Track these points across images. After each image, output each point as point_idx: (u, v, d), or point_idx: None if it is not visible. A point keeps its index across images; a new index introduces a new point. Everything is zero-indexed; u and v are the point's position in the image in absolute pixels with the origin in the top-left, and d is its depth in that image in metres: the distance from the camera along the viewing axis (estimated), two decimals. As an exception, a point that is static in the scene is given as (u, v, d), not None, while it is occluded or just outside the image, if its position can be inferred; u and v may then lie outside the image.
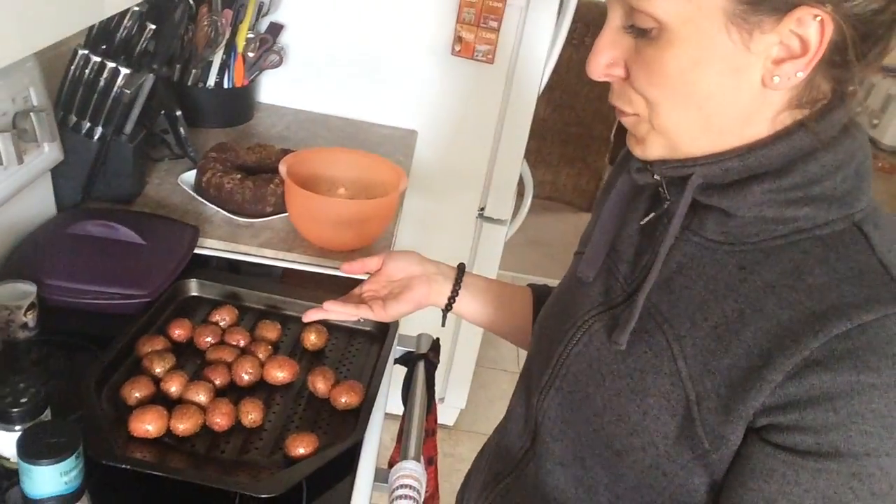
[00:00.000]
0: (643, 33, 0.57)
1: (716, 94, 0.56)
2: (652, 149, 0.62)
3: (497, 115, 1.89)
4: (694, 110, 0.58)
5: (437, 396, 2.22)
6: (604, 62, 0.60)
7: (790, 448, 0.53)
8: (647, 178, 0.66)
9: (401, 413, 1.12)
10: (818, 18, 0.52)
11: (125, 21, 1.25)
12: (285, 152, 1.44)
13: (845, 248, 0.57)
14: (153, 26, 1.26)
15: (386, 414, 1.14)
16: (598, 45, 0.60)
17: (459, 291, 0.94)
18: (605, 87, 0.65)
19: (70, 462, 0.69)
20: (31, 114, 1.06)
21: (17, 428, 0.76)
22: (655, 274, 0.62)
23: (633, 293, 0.67)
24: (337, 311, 0.91)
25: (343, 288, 1.23)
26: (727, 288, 0.59)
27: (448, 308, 0.95)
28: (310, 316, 0.93)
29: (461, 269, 0.96)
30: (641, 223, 0.69)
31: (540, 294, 0.95)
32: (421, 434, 1.05)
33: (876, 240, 0.57)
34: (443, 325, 1.00)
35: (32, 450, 0.68)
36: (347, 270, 0.96)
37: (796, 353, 0.53)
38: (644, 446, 0.61)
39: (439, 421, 2.35)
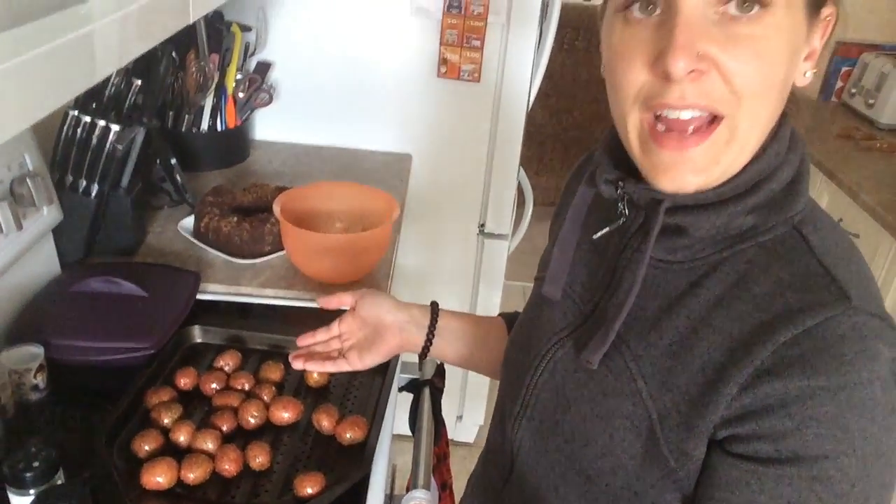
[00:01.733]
0: (743, 18, 0.52)
1: (788, 88, 0.57)
2: (720, 168, 0.56)
3: (488, 130, 1.91)
4: (778, 104, 0.56)
5: (454, 414, 2.24)
6: (695, 54, 0.52)
7: (751, 457, 0.54)
8: (612, 192, 0.65)
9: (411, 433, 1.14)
10: (828, 18, 0.56)
11: (112, 78, 1.28)
12: (280, 190, 1.46)
13: (787, 254, 0.57)
14: (139, 81, 1.29)
15: (401, 436, 1.15)
16: (683, 35, 0.51)
17: (433, 339, 0.93)
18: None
19: (81, 524, 0.71)
20: (28, 179, 1.09)
21: (31, 492, 0.78)
22: (631, 299, 0.62)
23: (592, 313, 0.67)
24: (315, 368, 0.94)
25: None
26: (679, 305, 0.60)
27: (423, 356, 0.95)
28: (294, 364, 0.94)
29: (434, 314, 0.94)
30: (594, 237, 0.68)
31: (512, 323, 0.96)
32: (430, 461, 1.06)
33: (815, 242, 0.58)
34: (419, 368, 1.02)
35: (44, 515, 0.71)
36: (324, 304, 0.98)
37: (748, 364, 0.54)
38: (614, 469, 0.62)
39: (459, 439, 2.37)
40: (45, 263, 1.22)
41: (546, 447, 0.69)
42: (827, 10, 0.57)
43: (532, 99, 1.95)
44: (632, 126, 0.58)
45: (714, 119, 0.54)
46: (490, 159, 1.94)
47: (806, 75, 0.57)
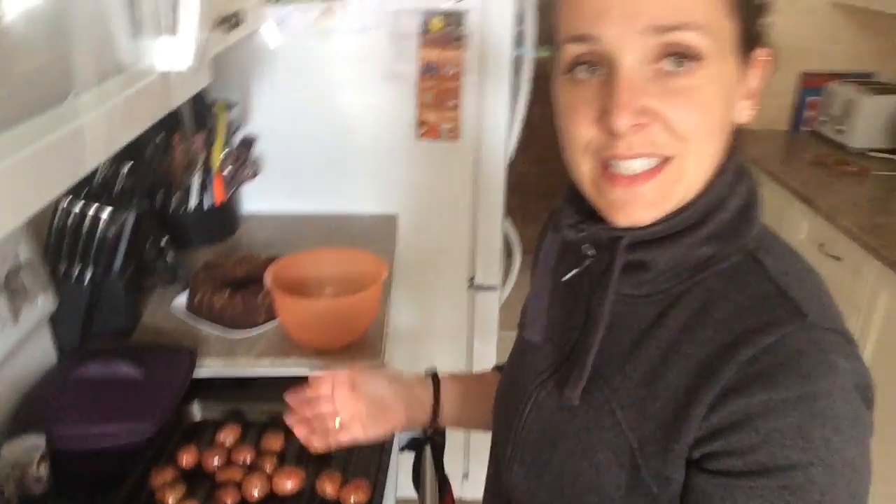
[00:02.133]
0: (678, 71, 0.56)
1: (729, 128, 0.61)
2: (669, 203, 0.60)
3: (471, 185, 1.95)
4: (719, 146, 0.60)
5: (460, 472, 2.22)
6: (637, 109, 0.55)
7: (723, 472, 0.56)
8: (575, 235, 0.68)
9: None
10: (765, 59, 0.61)
11: (100, 165, 1.31)
12: (271, 260, 1.49)
13: (744, 279, 0.61)
14: (127, 165, 1.33)
15: (405, 500, 1.15)
16: (625, 93, 0.55)
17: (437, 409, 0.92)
18: None
19: None
20: (22, 270, 1.11)
21: (40, 584, 0.78)
22: (600, 333, 0.64)
23: (571, 353, 0.69)
24: (317, 448, 0.89)
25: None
26: (649, 336, 0.63)
27: (429, 428, 0.95)
28: (297, 432, 0.90)
29: (436, 388, 0.93)
30: (563, 279, 0.71)
31: None
32: (435, 520, 1.06)
33: (770, 265, 0.61)
34: (425, 435, 1.01)
35: None
36: (316, 387, 0.91)
37: (714, 385, 0.56)
38: (602, 502, 0.63)
39: (468, 497, 2.34)
40: (41, 352, 1.23)
41: (538, 488, 0.71)
42: (763, 51, 0.61)
43: (513, 150, 2.00)
44: (585, 172, 0.62)
45: (664, 160, 0.58)
46: (475, 213, 1.98)
47: (746, 113, 0.62)
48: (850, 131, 2.59)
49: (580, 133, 0.60)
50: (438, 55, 1.83)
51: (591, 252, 0.68)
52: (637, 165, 0.58)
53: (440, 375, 0.95)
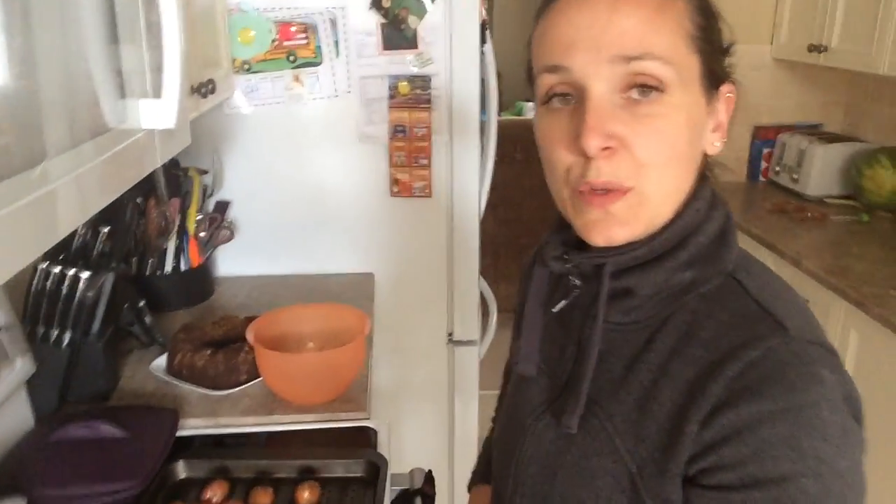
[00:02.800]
0: (642, 101, 0.60)
1: (694, 160, 0.65)
2: (639, 224, 0.63)
3: (445, 242, 1.98)
4: (685, 175, 0.64)
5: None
6: (605, 133, 0.59)
7: (716, 486, 0.57)
8: (561, 266, 0.71)
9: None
10: (729, 95, 0.65)
11: (79, 229, 1.32)
12: (249, 320, 1.48)
13: (725, 299, 0.63)
14: (106, 229, 1.34)
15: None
16: (594, 118, 0.59)
17: None
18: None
19: None
20: (1, 332, 1.10)
21: None
22: (594, 360, 0.67)
23: (567, 383, 0.71)
24: None
25: (327, 440, 1.25)
26: (640, 361, 0.65)
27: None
28: None
29: None
30: (553, 310, 0.74)
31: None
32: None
33: (749, 284, 0.64)
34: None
35: None
36: None
37: (705, 403, 0.58)
38: None
39: (453, 555, 2.29)
40: (18, 416, 1.20)
41: None
42: (725, 88, 0.66)
43: (482, 209, 2.04)
44: (565, 197, 0.66)
45: (626, 190, 0.62)
46: (451, 268, 2.01)
47: (715, 144, 0.66)
48: (805, 179, 2.70)
49: (558, 158, 0.64)
50: (408, 117, 1.88)
51: (577, 282, 0.70)
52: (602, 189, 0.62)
53: None
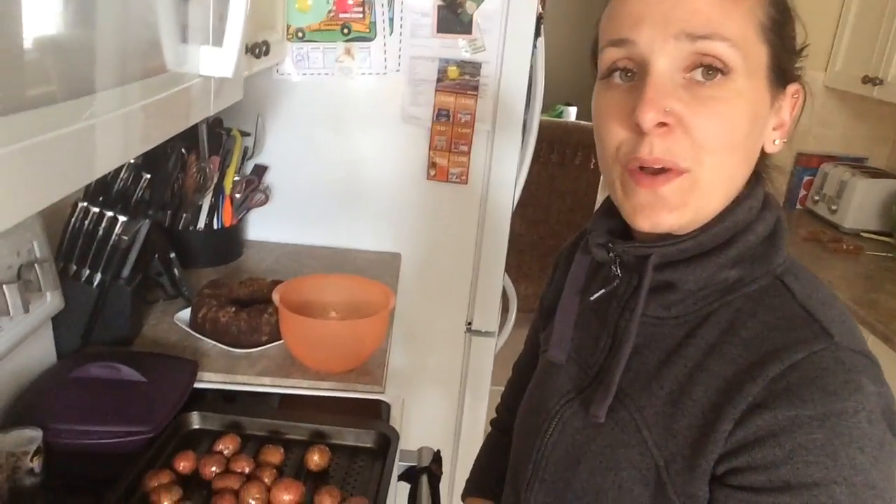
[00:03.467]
0: (708, 83, 0.58)
1: (754, 151, 0.63)
2: (687, 211, 0.61)
3: (475, 231, 1.98)
4: (741, 164, 0.62)
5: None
6: (663, 108, 0.58)
7: (746, 487, 0.57)
8: (603, 254, 0.70)
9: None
10: (795, 95, 0.63)
11: (122, 173, 1.33)
12: (276, 283, 1.49)
13: (771, 300, 0.62)
14: (148, 176, 1.35)
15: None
16: (653, 92, 0.58)
17: None
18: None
19: None
20: (35, 265, 1.11)
21: (30, 572, 0.76)
22: (628, 351, 0.66)
23: (598, 374, 0.71)
24: None
25: (338, 408, 1.25)
26: (676, 355, 0.64)
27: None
28: None
29: None
30: (591, 299, 0.73)
31: (491, 492, 0.98)
32: (430, 548, 1.05)
33: (797, 289, 0.63)
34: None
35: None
36: None
37: (741, 402, 0.57)
38: None
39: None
40: (42, 351, 1.22)
41: None
42: (793, 88, 0.65)
43: (515, 203, 2.03)
44: (615, 177, 0.64)
45: (680, 171, 0.61)
46: (477, 258, 2.00)
47: (775, 143, 0.65)
48: (844, 211, 2.66)
49: (612, 135, 0.63)
50: (453, 102, 1.88)
51: (618, 273, 0.69)
52: (657, 167, 0.61)
53: None
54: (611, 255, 0.69)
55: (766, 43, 0.61)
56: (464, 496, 1.03)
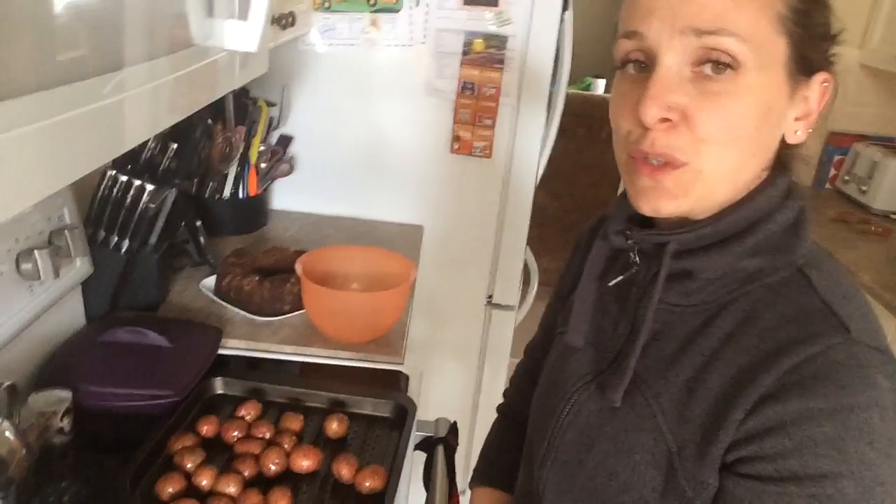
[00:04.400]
0: (715, 77, 0.58)
1: (766, 143, 0.63)
2: (689, 199, 0.62)
3: (498, 205, 1.98)
4: (749, 157, 0.62)
5: (458, 486, 2.22)
6: (665, 104, 0.59)
7: (753, 476, 0.57)
8: (622, 241, 0.70)
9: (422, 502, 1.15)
10: (825, 84, 0.61)
11: (149, 142, 1.35)
12: (299, 253, 1.51)
13: (790, 292, 0.62)
14: (175, 145, 1.37)
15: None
16: (657, 87, 0.59)
17: None
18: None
19: (114, 552, 0.73)
20: (66, 231, 1.14)
21: (60, 526, 0.80)
22: (644, 337, 0.67)
23: (616, 358, 0.71)
24: None
25: (358, 378, 1.28)
26: (693, 343, 0.64)
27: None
28: None
29: None
30: (610, 284, 0.73)
31: (500, 482, 0.98)
32: (444, 516, 1.07)
33: (817, 281, 0.62)
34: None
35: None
36: None
37: (754, 392, 0.58)
38: (635, 502, 0.65)
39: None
40: (72, 315, 1.26)
41: (571, 486, 0.72)
42: (821, 76, 0.63)
43: (539, 177, 2.03)
44: (622, 161, 0.66)
45: (680, 164, 0.61)
46: (500, 231, 2.01)
47: (797, 133, 0.63)
48: (874, 192, 2.61)
49: (620, 123, 0.64)
50: (478, 75, 1.87)
51: (637, 260, 0.70)
52: (655, 161, 0.62)
53: None
54: (629, 241, 0.70)
55: (785, 34, 0.59)
56: (472, 485, 1.05)
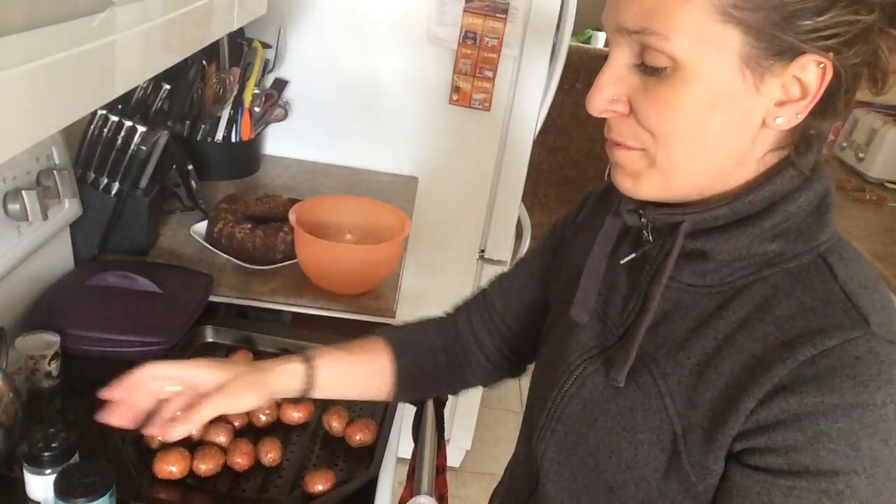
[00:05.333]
0: (655, 71, 0.58)
1: (723, 134, 0.59)
2: (645, 185, 0.63)
3: (495, 159, 1.96)
4: (700, 149, 0.60)
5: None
6: (607, 98, 0.60)
7: (763, 468, 0.56)
8: (635, 220, 0.68)
9: (409, 456, 1.16)
10: (821, 66, 0.56)
11: (142, 83, 1.31)
12: (293, 202, 1.49)
13: (810, 279, 0.60)
14: (168, 86, 1.33)
15: (399, 459, 1.17)
16: (601, 81, 0.60)
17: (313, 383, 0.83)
18: (599, 129, 0.68)
19: (104, 500, 0.73)
20: (54, 172, 1.11)
21: (48, 472, 0.79)
22: (649, 318, 0.65)
23: (624, 335, 0.70)
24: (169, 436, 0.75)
25: (349, 330, 1.27)
26: (706, 326, 0.63)
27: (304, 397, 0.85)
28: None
29: (310, 366, 0.83)
30: (622, 262, 0.71)
31: (397, 342, 0.91)
32: (433, 470, 1.08)
33: (839, 270, 0.60)
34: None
35: (69, 489, 0.72)
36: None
37: (767, 382, 0.56)
38: (636, 481, 0.64)
39: (449, 462, 2.37)
40: (60, 257, 1.23)
41: (570, 459, 0.71)
42: (810, 58, 0.55)
43: (537, 132, 2.00)
44: None
45: (633, 149, 0.62)
46: (494, 187, 1.99)
47: (777, 120, 0.58)
48: (871, 160, 2.60)
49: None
50: (481, 24, 1.82)
51: (650, 238, 0.68)
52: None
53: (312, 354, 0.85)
54: (642, 220, 0.68)
55: (734, 23, 0.55)
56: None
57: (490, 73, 1.85)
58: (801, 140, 0.61)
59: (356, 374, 0.89)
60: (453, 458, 2.41)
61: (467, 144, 1.94)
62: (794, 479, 0.55)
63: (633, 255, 0.70)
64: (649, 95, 0.59)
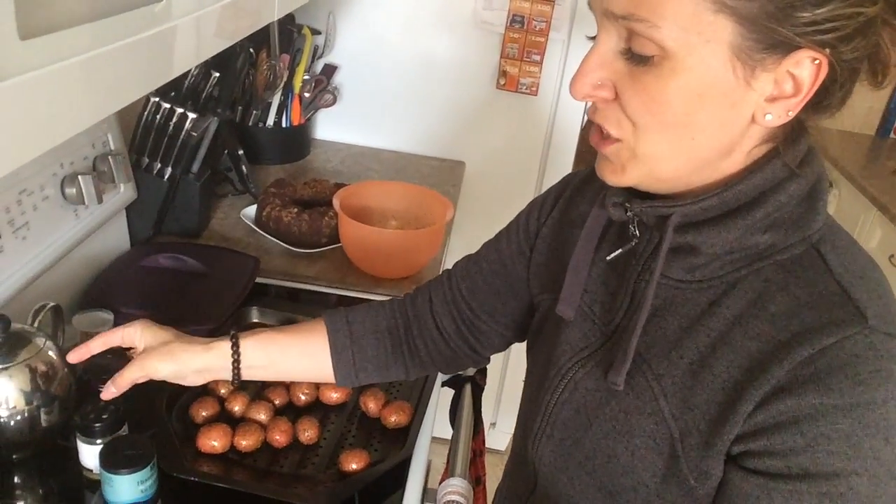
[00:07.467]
0: (642, 60, 0.55)
1: (710, 126, 0.56)
2: (629, 175, 0.61)
3: (542, 144, 1.95)
4: (686, 141, 0.57)
5: (488, 421, 2.26)
6: (591, 83, 0.58)
7: (762, 472, 0.55)
8: (621, 213, 0.66)
9: (448, 436, 1.17)
10: (816, 62, 0.53)
11: (191, 70, 1.35)
12: (339, 186, 1.52)
13: (804, 272, 0.58)
14: (217, 74, 1.37)
15: (438, 438, 1.19)
16: (586, 66, 0.58)
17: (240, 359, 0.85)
18: None
19: (146, 472, 0.77)
20: (110, 157, 1.16)
21: (98, 441, 0.84)
22: (644, 318, 0.63)
23: (614, 333, 0.68)
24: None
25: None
26: (699, 324, 0.61)
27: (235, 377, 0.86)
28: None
29: (235, 343, 0.85)
30: (608, 258, 0.69)
31: (335, 325, 0.88)
32: (467, 453, 1.09)
33: (833, 261, 0.58)
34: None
35: (113, 460, 0.76)
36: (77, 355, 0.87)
37: (764, 384, 0.55)
38: (635, 486, 0.63)
39: (491, 446, 2.39)
40: (117, 239, 1.29)
41: (567, 463, 0.70)
42: (805, 53, 0.53)
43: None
44: None
45: (615, 139, 0.59)
46: (542, 172, 1.98)
47: (767, 116, 0.55)
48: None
49: None
50: (529, 7, 1.81)
51: (636, 233, 0.66)
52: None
53: (241, 333, 0.87)
54: (629, 213, 0.65)
55: (727, 13, 0.52)
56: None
57: (538, 58, 1.84)
58: (790, 133, 0.58)
59: (290, 354, 0.88)
60: (500, 441, 2.42)
61: (514, 129, 1.94)
62: (794, 482, 0.54)
63: (618, 251, 0.68)
64: (636, 83, 0.56)
